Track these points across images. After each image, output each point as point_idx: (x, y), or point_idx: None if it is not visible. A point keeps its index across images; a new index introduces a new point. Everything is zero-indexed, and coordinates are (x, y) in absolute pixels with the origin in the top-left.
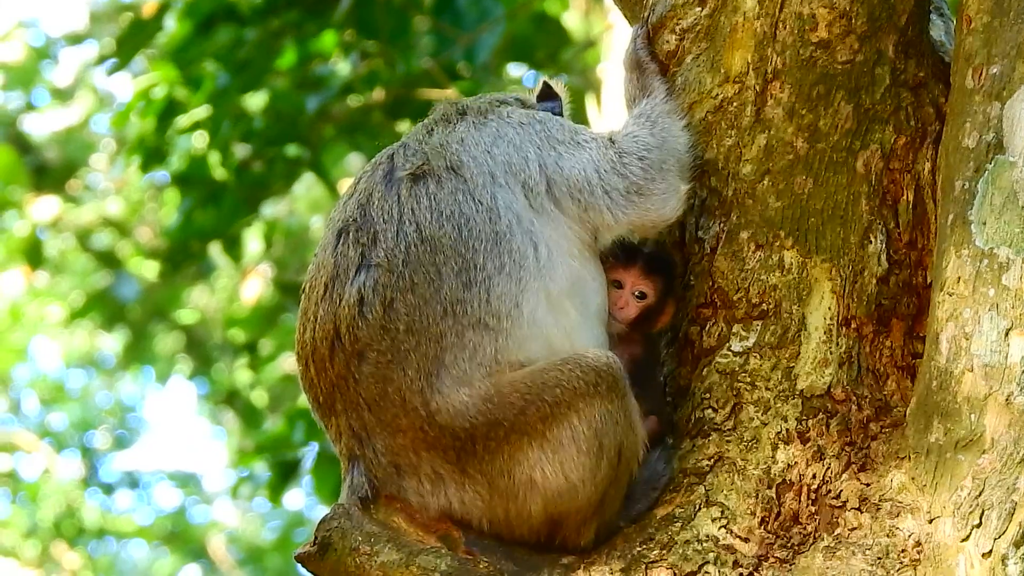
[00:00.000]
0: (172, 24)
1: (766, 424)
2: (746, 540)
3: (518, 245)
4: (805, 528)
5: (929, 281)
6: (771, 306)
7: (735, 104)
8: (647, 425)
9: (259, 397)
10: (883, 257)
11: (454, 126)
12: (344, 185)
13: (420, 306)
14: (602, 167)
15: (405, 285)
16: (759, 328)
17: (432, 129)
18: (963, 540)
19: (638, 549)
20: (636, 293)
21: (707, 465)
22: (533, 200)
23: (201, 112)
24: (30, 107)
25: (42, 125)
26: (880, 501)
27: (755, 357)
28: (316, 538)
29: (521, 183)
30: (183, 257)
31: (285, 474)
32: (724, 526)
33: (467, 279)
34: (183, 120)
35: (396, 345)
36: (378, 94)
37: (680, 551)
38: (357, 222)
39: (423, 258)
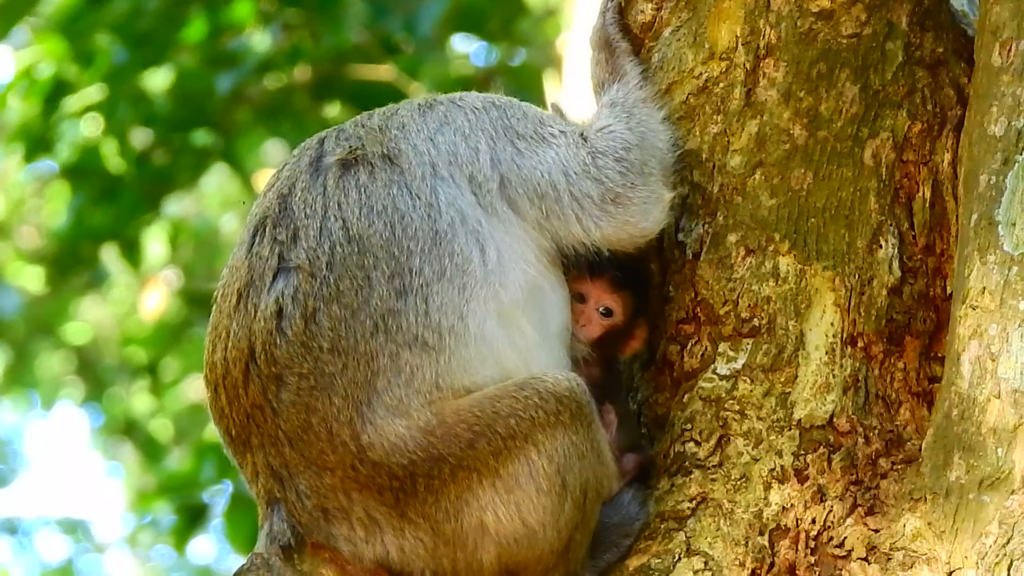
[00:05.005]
0: None
1: (757, 460)
2: None
3: (461, 247)
4: None
5: (949, 292)
6: (764, 322)
7: (722, 85)
8: (626, 464)
9: (162, 428)
10: (895, 264)
11: (398, 108)
12: (262, 178)
13: (347, 319)
14: (571, 169)
15: (329, 293)
16: (749, 347)
17: (376, 112)
18: None
19: None
20: (601, 309)
21: (688, 508)
22: (482, 198)
23: (94, 93)
24: None
25: None
26: (891, 550)
27: (745, 381)
28: None
29: (468, 177)
30: (73, 263)
31: (192, 518)
32: None
33: (400, 285)
34: (73, 102)
35: (320, 367)
36: (302, 72)
37: None
38: (276, 216)
39: (349, 260)
